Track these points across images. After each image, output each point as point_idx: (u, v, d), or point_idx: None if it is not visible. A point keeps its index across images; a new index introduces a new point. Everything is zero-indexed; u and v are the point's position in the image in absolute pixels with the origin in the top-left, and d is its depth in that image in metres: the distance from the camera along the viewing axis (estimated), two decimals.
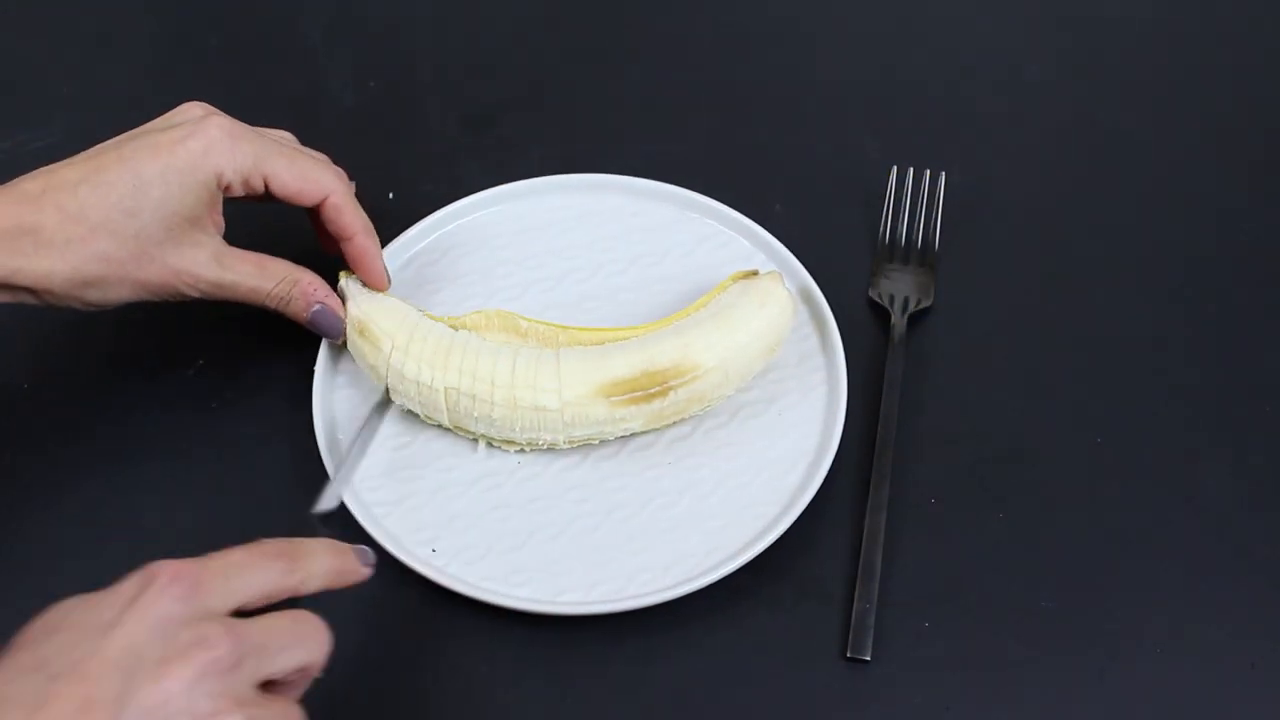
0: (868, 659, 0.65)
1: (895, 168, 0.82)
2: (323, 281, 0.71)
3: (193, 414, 0.74)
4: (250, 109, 0.89)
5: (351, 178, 0.72)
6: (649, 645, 0.66)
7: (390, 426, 0.72)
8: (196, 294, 0.68)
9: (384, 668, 0.66)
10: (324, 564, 0.56)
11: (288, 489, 0.71)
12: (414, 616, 0.67)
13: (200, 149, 0.66)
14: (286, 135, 0.73)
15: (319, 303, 0.70)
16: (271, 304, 0.70)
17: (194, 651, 0.48)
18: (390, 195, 0.83)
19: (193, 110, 0.69)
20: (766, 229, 0.78)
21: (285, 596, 0.54)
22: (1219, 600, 0.68)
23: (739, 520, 0.68)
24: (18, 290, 0.65)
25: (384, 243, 0.76)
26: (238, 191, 0.68)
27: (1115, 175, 0.85)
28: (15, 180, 0.65)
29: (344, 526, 0.68)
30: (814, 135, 0.87)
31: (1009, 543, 0.69)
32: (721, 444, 0.71)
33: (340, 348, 0.73)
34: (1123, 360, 0.76)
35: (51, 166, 0.65)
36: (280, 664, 0.52)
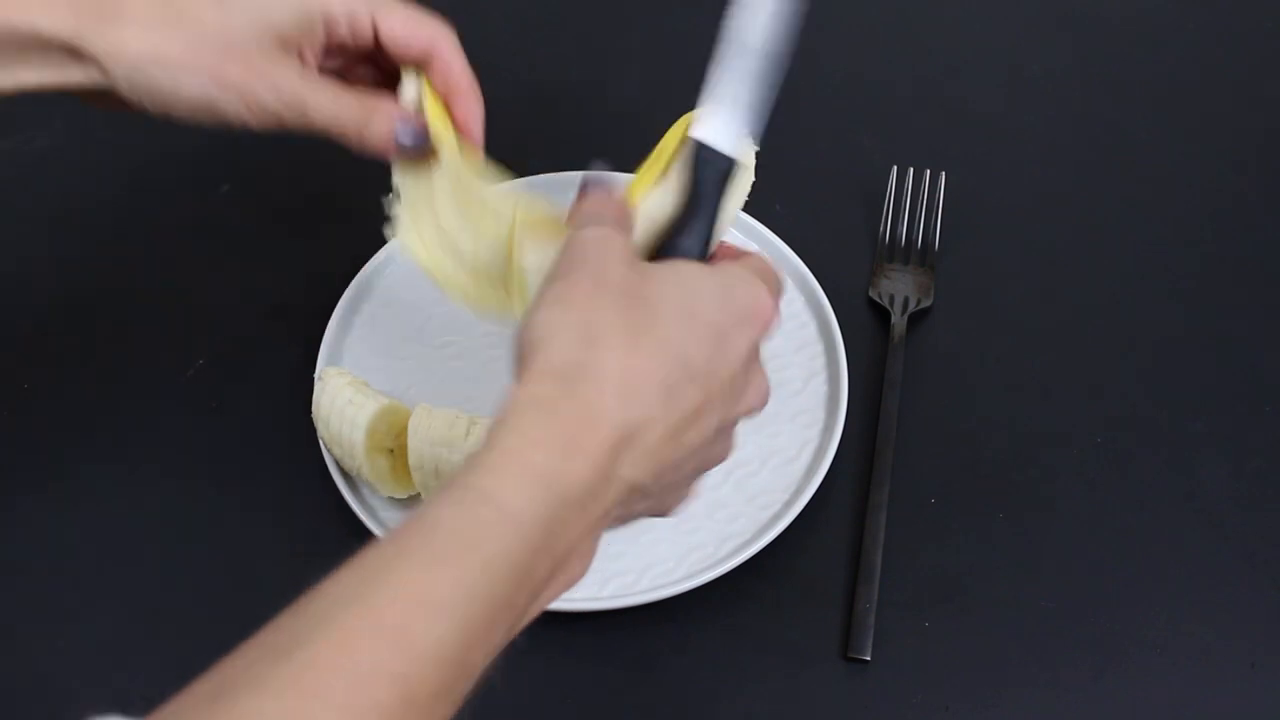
0: (868, 659, 0.65)
1: (895, 168, 0.82)
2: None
3: (193, 414, 0.74)
4: None
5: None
6: (649, 645, 0.66)
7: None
8: (273, 106, 0.61)
9: None
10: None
11: (288, 489, 0.71)
12: None
13: None
14: None
15: (402, 118, 0.64)
16: (352, 127, 0.63)
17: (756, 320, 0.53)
18: (390, 195, 0.83)
19: None
20: (764, 224, 0.78)
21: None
22: (1219, 600, 0.68)
23: (745, 512, 0.69)
24: (86, 62, 0.60)
25: (379, 245, 0.77)
26: (344, 34, 0.64)
27: (1115, 175, 0.85)
28: None
29: (346, 525, 0.68)
30: (814, 135, 0.87)
31: (1009, 543, 0.69)
32: None
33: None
34: (1123, 360, 0.76)
35: None
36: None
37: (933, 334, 0.77)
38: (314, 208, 0.81)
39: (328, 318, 0.75)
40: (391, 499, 0.69)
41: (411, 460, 0.66)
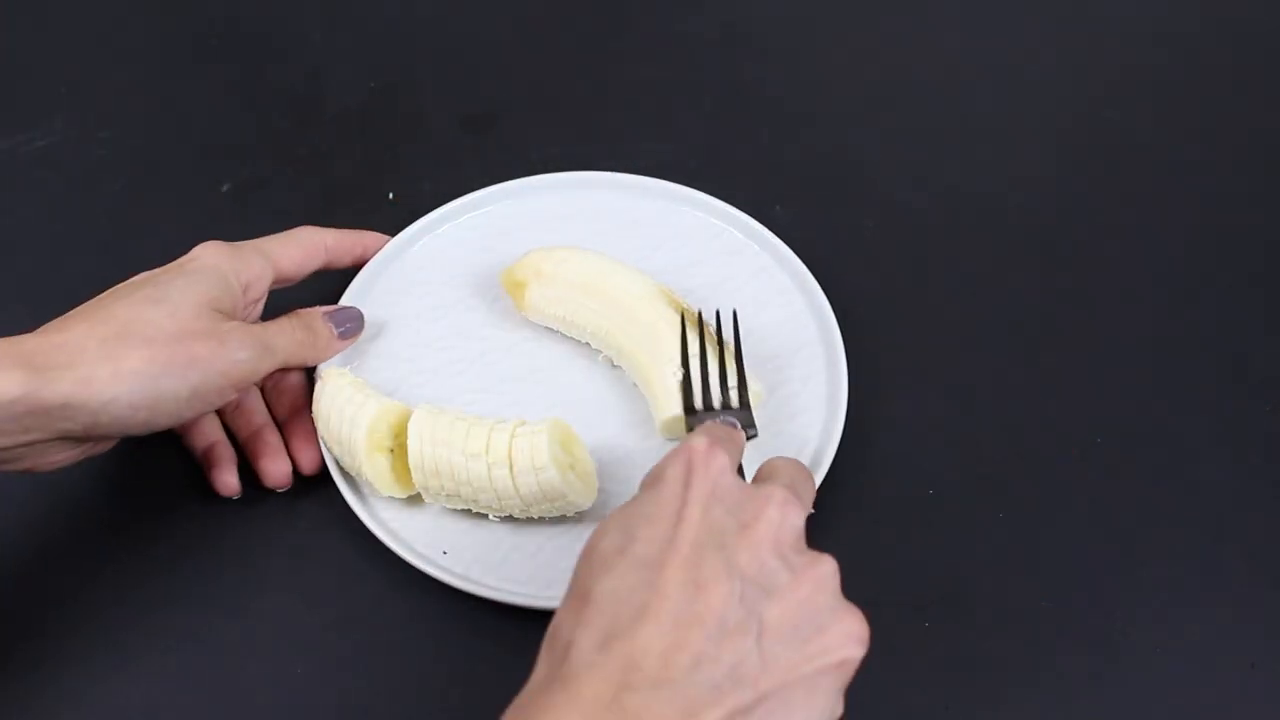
0: (868, 658, 0.65)
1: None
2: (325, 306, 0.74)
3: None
4: (250, 109, 0.89)
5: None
6: None
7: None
8: (247, 358, 0.65)
9: (397, 670, 0.66)
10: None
11: (288, 489, 0.71)
12: (425, 616, 0.67)
13: (212, 260, 0.67)
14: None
15: (324, 312, 0.73)
16: (302, 337, 0.71)
17: (767, 510, 0.51)
18: (390, 195, 0.83)
19: (198, 250, 0.69)
20: (764, 224, 0.79)
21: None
22: (1219, 600, 0.68)
23: None
24: (52, 413, 0.60)
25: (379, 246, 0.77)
26: (259, 289, 0.70)
27: (1116, 175, 0.85)
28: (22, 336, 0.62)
29: (346, 525, 0.68)
30: (814, 135, 0.87)
31: (1009, 543, 0.69)
32: None
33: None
34: (1122, 360, 0.76)
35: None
36: (806, 492, 0.56)
37: (934, 333, 0.77)
38: (314, 208, 0.81)
39: None
40: (391, 499, 0.69)
41: (411, 460, 0.66)
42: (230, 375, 0.65)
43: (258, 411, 0.72)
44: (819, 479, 0.69)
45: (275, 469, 0.70)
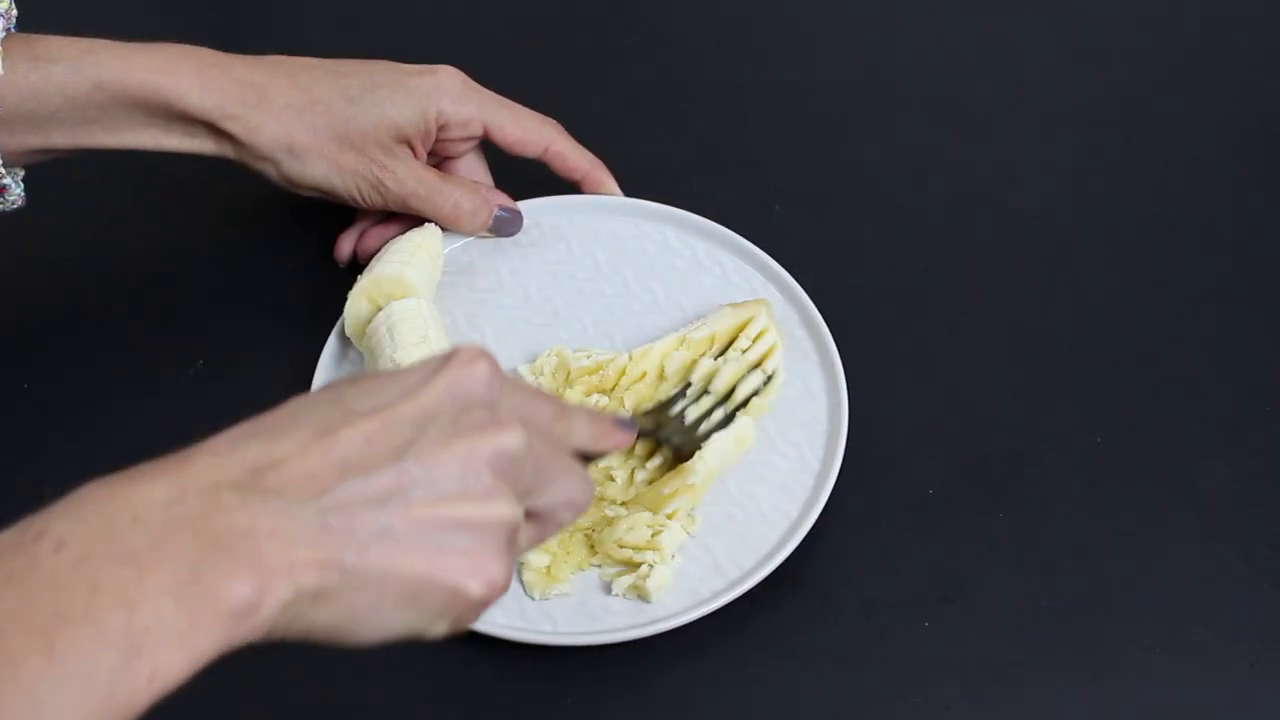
0: (867, 658, 0.65)
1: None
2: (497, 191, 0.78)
3: (193, 414, 0.74)
4: None
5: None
6: (648, 645, 0.66)
7: None
8: (390, 187, 0.73)
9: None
10: (586, 424, 0.53)
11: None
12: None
13: (432, 84, 0.73)
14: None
15: (500, 205, 0.77)
16: (465, 207, 0.75)
17: (488, 431, 0.46)
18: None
19: (441, 67, 0.75)
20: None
21: (552, 439, 0.51)
22: (1219, 600, 0.68)
23: (767, 521, 0.68)
24: (222, 138, 0.70)
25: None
26: (456, 131, 0.74)
27: (1116, 175, 0.85)
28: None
29: None
30: (813, 135, 0.87)
31: (1009, 543, 0.69)
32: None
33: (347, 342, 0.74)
34: (1122, 360, 0.76)
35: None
36: (551, 491, 0.50)
37: (934, 333, 0.77)
38: (315, 208, 0.81)
39: (329, 318, 0.75)
40: None
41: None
42: (364, 193, 0.73)
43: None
44: (830, 482, 0.68)
45: (340, 248, 0.78)
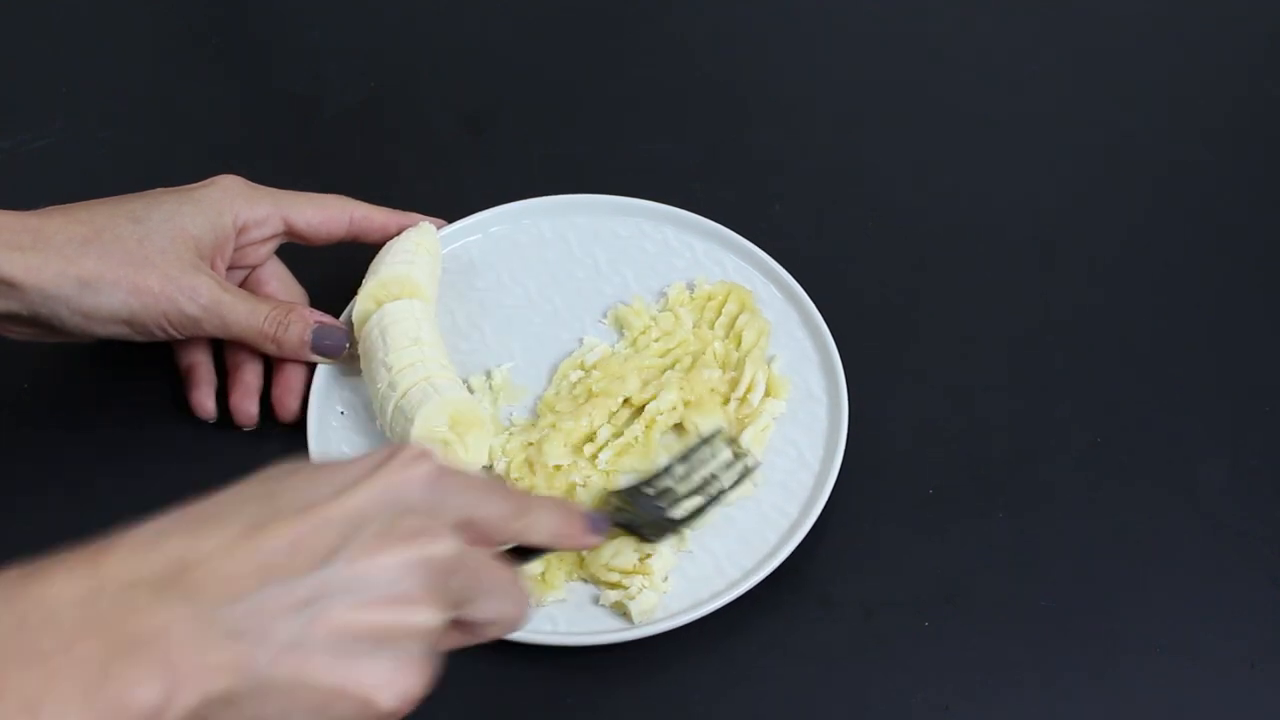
0: (867, 658, 0.65)
1: None
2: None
3: (193, 417, 0.74)
4: (250, 109, 0.89)
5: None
6: (649, 646, 0.66)
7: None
8: (193, 312, 0.67)
9: None
10: (550, 520, 0.53)
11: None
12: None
13: (219, 192, 0.69)
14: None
15: (318, 321, 0.71)
16: (269, 329, 0.69)
17: (419, 539, 0.46)
18: (389, 196, 0.83)
19: (221, 176, 0.71)
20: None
21: (505, 539, 0.51)
22: (1219, 600, 0.68)
23: (767, 521, 0.68)
24: (3, 287, 0.63)
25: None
26: (255, 232, 0.70)
27: (1115, 176, 0.85)
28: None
29: None
30: (814, 135, 0.87)
31: (1009, 543, 0.69)
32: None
33: (344, 360, 0.72)
34: (1122, 360, 0.76)
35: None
36: (483, 604, 0.49)
37: (933, 333, 0.77)
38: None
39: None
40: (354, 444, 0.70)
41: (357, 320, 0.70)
42: (171, 320, 0.67)
43: (244, 348, 0.71)
44: (830, 482, 0.68)
45: (242, 409, 0.71)
